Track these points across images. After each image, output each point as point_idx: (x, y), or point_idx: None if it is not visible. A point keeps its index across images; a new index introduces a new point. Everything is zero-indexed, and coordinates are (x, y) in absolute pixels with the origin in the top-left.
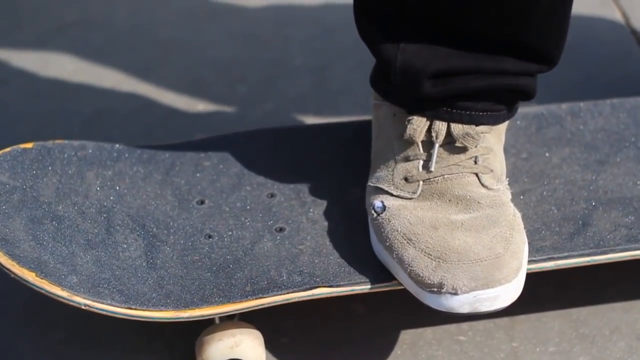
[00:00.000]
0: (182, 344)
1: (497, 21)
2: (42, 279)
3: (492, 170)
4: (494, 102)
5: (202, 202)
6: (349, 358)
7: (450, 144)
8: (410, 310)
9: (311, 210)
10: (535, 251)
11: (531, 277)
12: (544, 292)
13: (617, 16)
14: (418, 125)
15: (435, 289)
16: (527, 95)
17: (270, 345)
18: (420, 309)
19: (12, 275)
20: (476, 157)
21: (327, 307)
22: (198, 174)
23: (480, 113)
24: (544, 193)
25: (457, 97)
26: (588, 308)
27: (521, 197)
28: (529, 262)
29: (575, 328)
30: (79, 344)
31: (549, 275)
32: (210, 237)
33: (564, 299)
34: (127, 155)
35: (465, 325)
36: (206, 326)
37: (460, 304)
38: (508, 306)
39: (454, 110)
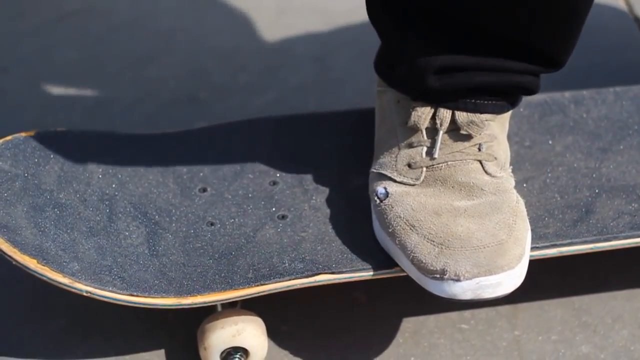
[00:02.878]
0: (183, 331)
1: (510, 21)
2: (43, 266)
3: (495, 158)
4: (497, 96)
5: (204, 190)
6: (351, 347)
7: (455, 131)
8: (412, 298)
9: (313, 197)
10: (538, 238)
11: (534, 265)
12: (546, 281)
13: (621, 4)
14: (422, 113)
15: (438, 275)
16: (530, 92)
17: (271, 333)
18: (423, 298)
19: (14, 263)
20: (480, 144)
21: (329, 296)
22: (200, 162)
23: (485, 102)
24: (547, 181)
25: (461, 91)
26: (590, 296)
27: (524, 184)
28: (532, 248)
29: (577, 316)
30: (79, 332)
31: (552, 264)
32: (212, 224)
33: (567, 287)
34: (129, 143)
35: (467, 314)
36: (208, 314)
37: (462, 290)
38: (510, 294)
39: (459, 99)
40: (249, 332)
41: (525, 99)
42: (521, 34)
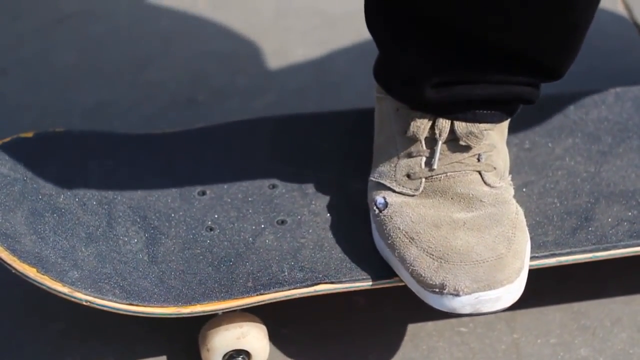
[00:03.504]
0: (183, 335)
1: (510, 35)
2: (43, 274)
3: (495, 168)
4: (497, 106)
5: (204, 193)
6: (350, 349)
7: (454, 142)
8: (411, 302)
9: (313, 202)
10: (537, 247)
11: (532, 269)
12: (545, 284)
13: (620, 8)
14: (421, 123)
15: (437, 290)
16: (529, 102)
17: (271, 336)
18: (421, 302)
19: (13, 271)
20: (479, 154)
21: (328, 299)
22: (199, 164)
23: (484, 112)
24: (547, 185)
25: (460, 103)
26: (589, 300)
27: (524, 189)
28: (531, 258)
29: (576, 320)
30: (79, 335)
31: (551, 267)
32: (211, 229)
33: (565, 290)
34: (128, 144)
35: (466, 317)
36: (208, 317)
37: (461, 305)
38: None
39: (458, 110)
40: (253, 335)
41: None
42: (521, 47)
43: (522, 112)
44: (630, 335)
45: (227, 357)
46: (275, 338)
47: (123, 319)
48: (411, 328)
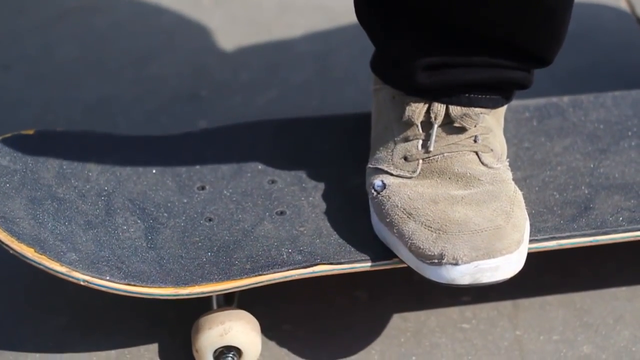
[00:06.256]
0: (184, 329)
1: (492, 21)
2: (41, 254)
3: (492, 150)
4: (491, 90)
5: (203, 188)
6: (352, 345)
7: (449, 125)
8: (414, 297)
9: (312, 195)
10: (538, 231)
11: (535, 265)
12: (547, 280)
13: (622, 4)
14: (417, 107)
15: (436, 261)
16: (523, 87)
17: (272, 332)
18: (424, 297)
19: (12, 252)
20: (476, 136)
21: (330, 295)
22: (199, 162)
23: (479, 96)
24: (546, 179)
25: (452, 88)
26: (592, 297)
27: (523, 182)
28: (531, 241)
29: (579, 317)
30: (80, 329)
31: (553, 263)
32: (210, 220)
33: (568, 287)
34: (128, 143)
35: (469, 313)
36: (206, 312)
37: (461, 274)
38: (512, 293)
39: (452, 94)
40: (237, 330)
41: (524, 102)
42: (502, 32)
43: (522, 113)
44: (633, 332)
45: (217, 354)
46: (276, 334)
47: (124, 313)
48: (413, 324)
